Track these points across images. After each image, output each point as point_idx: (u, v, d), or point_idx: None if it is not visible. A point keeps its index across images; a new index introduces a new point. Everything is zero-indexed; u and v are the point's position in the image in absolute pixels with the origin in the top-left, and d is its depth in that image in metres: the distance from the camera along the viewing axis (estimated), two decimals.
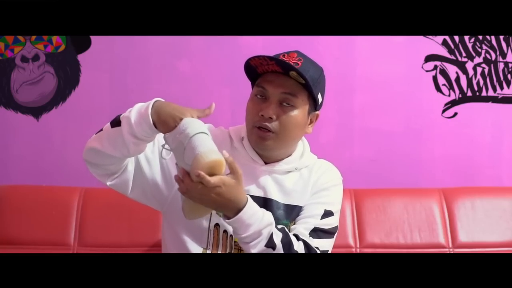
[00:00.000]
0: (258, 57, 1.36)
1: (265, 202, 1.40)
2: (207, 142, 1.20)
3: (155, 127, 1.24)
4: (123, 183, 1.38)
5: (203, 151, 1.18)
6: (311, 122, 1.47)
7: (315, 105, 1.45)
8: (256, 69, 1.41)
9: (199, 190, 1.20)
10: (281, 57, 1.39)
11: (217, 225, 1.41)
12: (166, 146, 1.26)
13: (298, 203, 1.44)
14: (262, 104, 1.39)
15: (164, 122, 1.23)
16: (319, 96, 1.44)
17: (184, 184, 1.21)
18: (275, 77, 1.39)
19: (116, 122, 1.29)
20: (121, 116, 1.28)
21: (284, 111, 1.38)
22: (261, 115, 1.38)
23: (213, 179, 1.19)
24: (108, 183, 1.38)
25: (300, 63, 1.37)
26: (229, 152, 1.28)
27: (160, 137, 1.34)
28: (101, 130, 1.33)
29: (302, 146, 1.52)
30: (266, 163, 1.45)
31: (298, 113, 1.40)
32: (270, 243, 1.29)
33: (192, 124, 1.21)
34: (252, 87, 1.46)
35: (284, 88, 1.38)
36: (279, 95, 1.38)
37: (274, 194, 1.43)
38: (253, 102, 1.42)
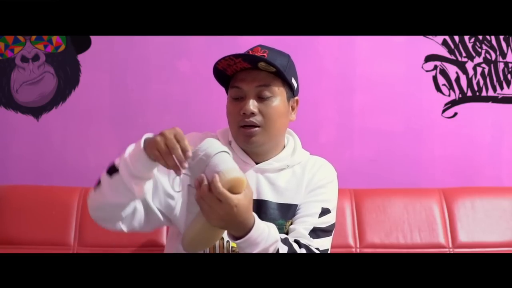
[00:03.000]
0: (224, 58, 1.37)
1: (258, 204, 1.39)
2: (229, 160, 1.21)
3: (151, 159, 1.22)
4: (139, 223, 1.37)
5: (225, 169, 1.18)
6: (292, 109, 1.47)
7: (292, 91, 1.45)
8: (225, 72, 1.42)
9: (211, 201, 1.18)
10: None
11: None
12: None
13: (292, 202, 1.43)
14: (241, 103, 1.40)
15: (151, 150, 1.21)
16: (293, 81, 1.44)
17: (200, 191, 1.18)
18: (246, 74, 1.40)
19: (112, 169, 1.27)
20: (116, 163, 1.27)
21: (264, 103, 1.39)
22: (242, 113, 1.38)
23: (231, 197, 1.18)
24: (125, 230, 1.36)
25: (266, 55, 1.38)
26: None
27: None
28: (99, 184, 1.30)
29: (293, 142, 1.52)
30: (256, 163, 1.45)
31: (278, 102, 1.41)
32: None
33: (214, 144, 1.23)
34: (227, 92, 1.46)
35: (257, 81, 1.39)
36: (254, 90, 1.39)
37: (267, 195, 1.42)
38: (232, 104, 1.42)
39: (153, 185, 1.37)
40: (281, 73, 1.38)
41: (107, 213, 1.33)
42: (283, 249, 1.30)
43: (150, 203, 1.37)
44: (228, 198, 1.17)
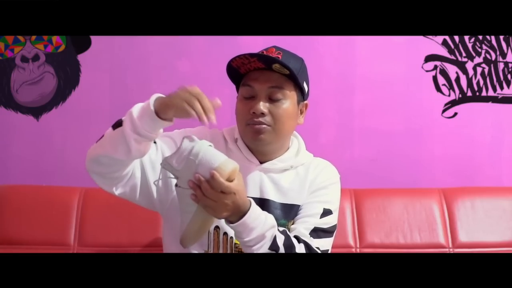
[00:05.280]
0: (239, 56, 1.37)
1: (261, 203, 1.39)
2: (217, 153, 1.22)
3: (159, 117, 1.22)
4: (131, 189, 1.37)
5: (220, 163, 1.20)
6: (301, 112, 1.47)
7: (302, 95, 1.45)
8: (238, 70, 1.41)
9: (216, 196, 1.20)
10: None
11: (217, 227, 1.41)
12: (161, 176, 1.27)
13: (295, 202, 1.43)
14: (251, 102, 1.40)
15: (171, 104, 1.21)
16: (305, 85, 1.45)
17: (202, 189, 1.20)
18: (260, 74, 1.40)
19: (117, 124, 1.27)
20: (123, 119, 1.27)
21: (275, 105, 1.39)
22: (252, 112, 1.38)
23: (232, 185, 1.21)
24: (117, 192, 1.36)
25: (280, 56, 1.38)
26: (224, 153, 1.28)
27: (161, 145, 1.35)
28: (102, 137, 1.31)
29: (297, 144, 1.52)
30: (261, 162, 1.45)
31: (289, 105, 1.41)
32: (274, 246, 1.29)
33: (194, 140, 1.23)
34: (237, 89, 1.46)
35: (270, 82, 1.39)
36: (266, 90, 1.39)
37: (271, 194, 1.42)
38: (242, 102, 1.42)
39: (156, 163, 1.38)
40: (294, 76, 1.39)
41: (103, 167, 1.31)
42: (280, 238, 1.30)
43: (148, 172, 1.37)
44: (230, 188, 1.20)
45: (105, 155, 1.28)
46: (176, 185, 1.25)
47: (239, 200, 1.23)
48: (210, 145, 1.24)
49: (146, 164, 1.37)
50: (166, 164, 1.23)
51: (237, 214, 1.25)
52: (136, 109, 1.25)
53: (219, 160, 1.21)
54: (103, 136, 1.31)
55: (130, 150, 1.25)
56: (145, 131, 1.24)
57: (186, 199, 1.24)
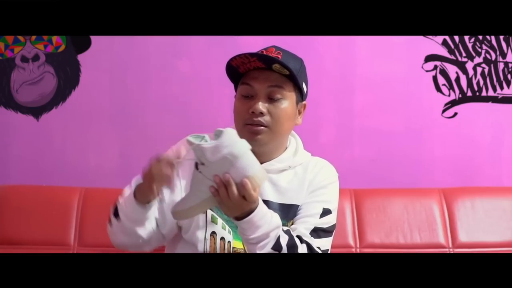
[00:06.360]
0: (239, 56, 1.37)
1: None
2: (254, 162, 1.23)
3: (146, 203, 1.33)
4: (157, 242, 1.45)
5: (254, 173, 1.22)
6: (299, 113, 1.47)
7: (301, 95, 1.45)
8: (237, 70, 1.41)
9: (239, 201, 1.23)
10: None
11: (213, 233, 1.41)
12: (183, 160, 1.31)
13: (294, 202, 1.43)
14: (250, 101, 1.39)
15: (144, 193, 1.31)
16: (304, 86, 1.45)
17: (228, 191, 1.21)
18: (259, 73, 1.39)
19: (117, 212, 1.38)
20: (118, 206, 1.37)
21: (274, 105, 1.39)
22: (251, 112, 1.38)
23: (256, 196, 1.24)
24: (149, 250, 1.46)
25: (280, 56, 1.38)
26: None
27: None
28: (110, 222, 1.40)
29: (295, 143, 1.52)
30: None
31: (288, 105, 1.41)
32: (277, 246, 1.29)
33: (234, 139, 1.22)
34: (236, 88, 1.46)
35: (269, 81, 1.39)
36: (265, 89, 1.39)
37: (269, 195, 1.42)
38: (241, 101, 1.42)
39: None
40: (293, 77, 1.38)
41: (127, 243, 1.42)
42: (284, 238, 1.31)
43: (160, 223, 1.43)
44: (255, 198, 1.24)
45: (123, 238, 1.40)
46: (197, 168, 1.25)
47: (252, 204, 1.26)
48: (250, 149, 1.23)
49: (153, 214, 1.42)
50: (197, 149, 1.21)
51: (244, 211, 1.26)
52: (124, 198, 1.36)
53: (254, 169, 1.21)
54: (110, 220, 1.40)
55: (139, 236, 1.38)
56: (139, 217, 1.35)
57: (201, 187, 1.24)
